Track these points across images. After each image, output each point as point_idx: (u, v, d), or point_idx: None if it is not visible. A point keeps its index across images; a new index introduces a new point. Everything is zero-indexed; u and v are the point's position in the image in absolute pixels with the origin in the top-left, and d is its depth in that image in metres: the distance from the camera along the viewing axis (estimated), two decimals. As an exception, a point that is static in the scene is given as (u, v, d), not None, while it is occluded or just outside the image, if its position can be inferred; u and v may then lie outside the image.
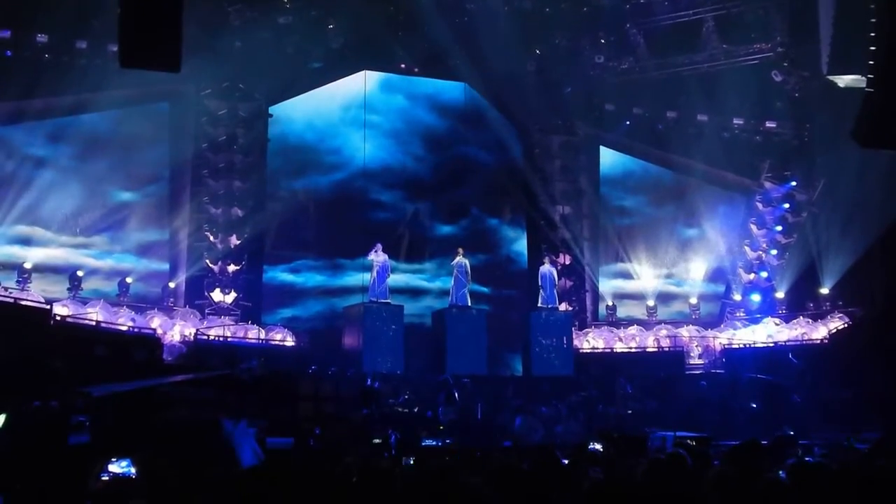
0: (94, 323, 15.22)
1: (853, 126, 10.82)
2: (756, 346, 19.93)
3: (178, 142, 19.33)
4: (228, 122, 19.37)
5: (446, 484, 4.35)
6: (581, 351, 20.11)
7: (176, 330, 17.43)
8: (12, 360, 10.48)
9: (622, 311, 22.47)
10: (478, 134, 22.11)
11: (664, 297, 22.56)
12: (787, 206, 21.89)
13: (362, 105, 21.26)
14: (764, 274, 21.77)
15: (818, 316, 20.18)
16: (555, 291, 19.73)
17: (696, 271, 22.71)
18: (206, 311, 18.57)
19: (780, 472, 5.03)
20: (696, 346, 20.83)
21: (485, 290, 21.07)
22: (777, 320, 20.67)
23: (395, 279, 19.02)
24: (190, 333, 17.35)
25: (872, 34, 10.41)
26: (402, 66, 21.42)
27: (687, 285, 22.70)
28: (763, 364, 18.37)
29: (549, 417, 16.81)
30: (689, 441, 10.62)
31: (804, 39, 18.61)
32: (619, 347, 20.77)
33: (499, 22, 20.21)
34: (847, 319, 19.35)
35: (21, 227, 17.36)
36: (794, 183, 21.86)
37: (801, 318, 20.35)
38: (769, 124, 22.10)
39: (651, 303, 22.26)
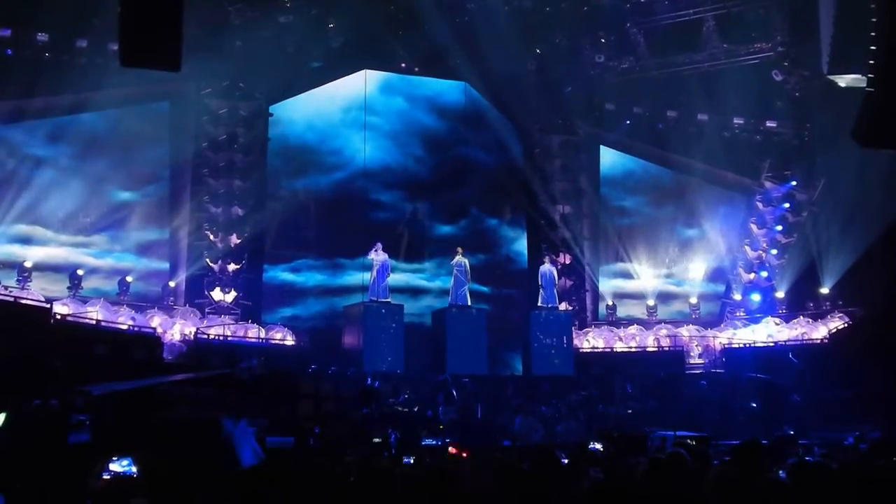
0: (94, 322, 15.22)
1: (853, 126, 10.82)
2: (756, 345, 19.93)
3: (178, 141, 19.33)
4: (229, 122, 19.37)
5: (446, 484, 4.35)
6: (581, 350, 20.12)
7: (176, 329, 17.43)
8: (12, 359, 10.47)
9: (622, 311, 22.47)
10: (478, 133, 22.11)
11: (664, 297, 22.56)
12: (787, 205, 21.89)
13: (362, 105, 21.27)
14: (764, 273, 21.77)
15: (818, 316, 20.18)
16: (555, 291, 19.73)
17: (696, 271, 22.71)
18: (207, 310, 18.57)
19: (780, 472, 5.04)
20: (696, 345, 20.83)
21: (484, 289, 21.08)
22: (777, 320, 20.66)
23: (394, 279, 19.02)
24: (190, 332, 17.35)
25: (873, 34, 10.40)
26: (403, 65, 21.42)
27: (687, 285, 22.70)
28: (763, 364, 18.38)
29: (549, 417, 16.82)
30: (688, 441, 10.63)
31: (805, 39, 18.60)
32: (619, 347, 20.78)
33: (499, 21, 20.20)
34: (847, 319, 19.35)
35: (21, 227, 17.35)
36: (794, 182, 21.86)
37: (802, 317, 20.35)
38: (769, 124, 22.09)
39: (651, 302, 22.26)
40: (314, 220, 20.97)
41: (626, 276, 22.66)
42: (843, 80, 13.65)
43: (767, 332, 20.35)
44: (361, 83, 21.23)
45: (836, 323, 19.34)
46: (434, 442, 14.73)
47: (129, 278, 18.18)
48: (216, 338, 17.49)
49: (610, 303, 22.34)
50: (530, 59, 21.63)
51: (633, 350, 20.65)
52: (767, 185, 22.10)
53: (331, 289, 20.59)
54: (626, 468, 5.98)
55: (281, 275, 20.37)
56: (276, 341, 18.56)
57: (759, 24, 20.71)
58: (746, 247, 22.20)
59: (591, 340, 21.00)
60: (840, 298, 20.07)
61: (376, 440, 13.27)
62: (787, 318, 20.64)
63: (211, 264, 18.89)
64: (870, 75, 10.48)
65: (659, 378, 18.41)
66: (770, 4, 20.45)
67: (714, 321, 22.16)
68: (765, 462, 5.12)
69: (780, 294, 21.43)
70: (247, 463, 7.66)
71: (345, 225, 20.74)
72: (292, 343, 18.75)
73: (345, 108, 21.35)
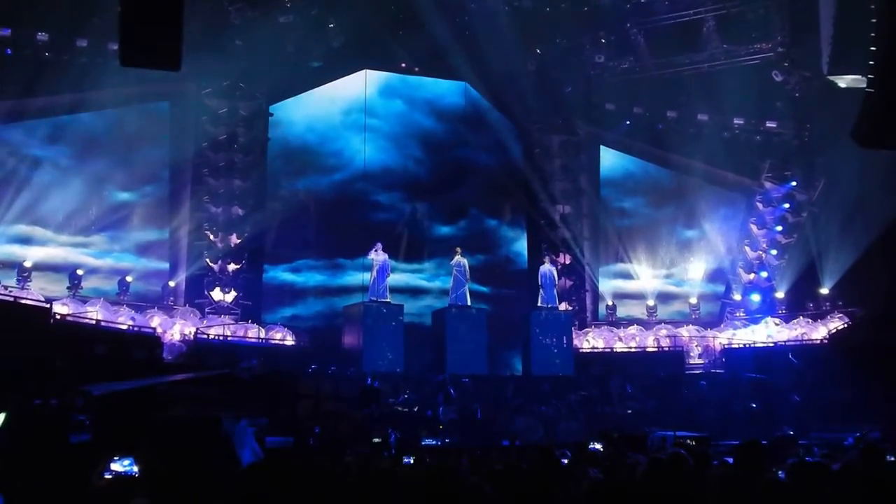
0: (93, 322, 15.22)
1: (853, 126, 10.81)
2: (756, 346, 19.93)
3: (178, 140, 19.32)
4: (229, 121, 19.37)
5: (446, 484, 4.35)
6: (581, 350, 20.12)
7: (176, 329, 17.43)
8: (12, 359, 10.47)
9: (622, 311, 22.48)
10: (478, 134, 22.12)
11: (664, 297, 22.56)
12: (787, 205, 21.89)
13: (362, 106, 21.30)
14: (764, 274, 21.77)
15: (818, 316, 20.18)
16: (555, 291, 19.72)
17: (695, 271, 22.71)
18: (206, 310, 18.57)
19: (780, 473, 5.04)
20: (696, 345, 20.83)
21: (484, 289, 21.09)
22: (777, 320, 20.66)
23: (394, 279, 19.02)
24: (190, 332, 17.35)
25: (872, 34, 10.40)
26: (403, 65, 21.44)
27: (687, 285, 22.70)
28: (763, 364, 18.38)
29: (549, 417, 16.83)
30: (688, 441, 10.63)
31: (805, 39, 18.61)
32: (619, 347, 20.78)
33: (499, 21, 20.21)
34: (847, 319, 19.36)
35: (21, 227, 17.34)
36: (794, 183, 21.86)
37: (801, 318, 20.35)
38: (769, 124, 22.08)
39: (651, 302, 22.26)
40: (314, 221, 20.99)
41: (626, 276, 22.66)
42: (843, 81, 13.65)
43: (767, 332, 20.35)
44: (361, 83, 21.25)
45: (836, 323, 19.35)
46: (434, 442, 14.74)
47: (128, 278, 18.18)
48: (216, 338, 17.49)
49: (610, 303, 22.35)
50: (530, 59, 21.65)
51: (632, 350, 20.65)
52: (767, 185, 22.10)
53: (331, 289, 20.61)
54: (626, 468, 5.98)
55: (281, 275, 20.38)
56: (276, 341, 18.56)
57: (760, 25, 20.72)
58: (746, 247, 22.20)
59: (590, 340, 21.00)
60: (840, 299, 20.07)
61: (376, 440, 13.27)
62: (787, 319, 20.64)
63: (211, 264, 18.89)
64: (869, 76, 10.47)
65: (659, 378, 18.41)
66: (770, 5, 20.46)
67: (714, 321, 22.16)
68: (764, 462, 5.12)
69: (780, 294, 21.44)
70: (246, 463, 7.66)
71: (345, 225, 20.76)
72: (292, 343, 18.75)
73: (345, 109, 21.38)
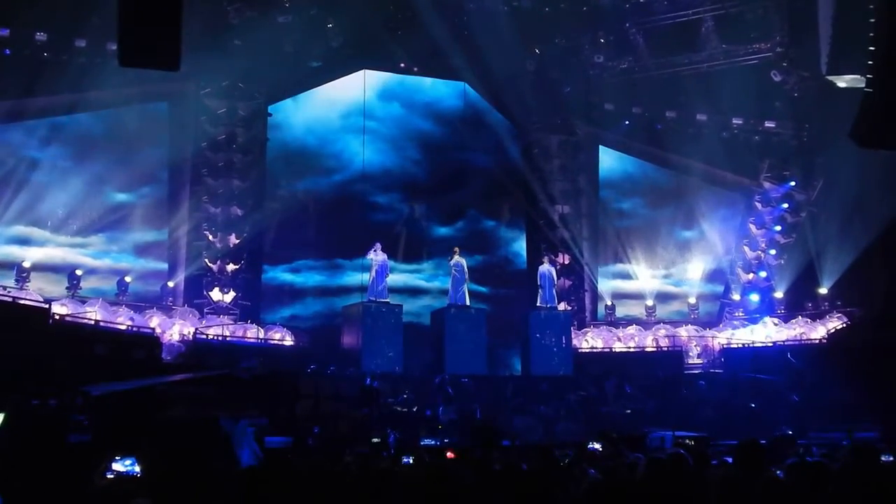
0: (92, 322, 15.21)
1: (852, 126, 10.82)
2: (755, 345, 19.93)
3: (177, 141, 19.31)
4: (228, 121, 19.38)
5: (446, 484, 4.36)
6: (580, 350, 20.12)
7: (175, 329, 17.42)
8: (11, 359, 10.47)
9: (621, 311, 22.48)
10: (477, 134, 22.13)
11: (663, 297, 22.57)
12: (786, 205, 21.90)
13: (361, 107, 21.31)
14: (763, 274, 21.78)
15: (817, 316, 20.19)
16: (554, 291, 19.72)
17: (694, 271, 22.72)
18: (205, 310, 18.56)
19: (778, 472, 5.04)
20: (695, 345, 20.84)
21: (483, 289, 21.10)
22: (776, 320, 20.67)
23: (393, 279, 19.03)
24: (189, 333, 17.34)
25: (871, 34, 10.41)
26: (402, 65, 21.45)
27: (686, 285, 22.71)
28: (762, 364, 18.38)
29: (548, 417, 16.82)
30: (687, 441, 10.64)
31: (803, 39, 18.63)
32: (618, 347, 20.79)
33: (498, 21, 20.21)
34: (846, 319, 19.37)
35: (19, 227, 17.33)
36: (793, 183, 21.87)
37: (800, 317, 20.36)
38: (768, 124, 22.09)
39: (650, 302, 22.27)
40: (313, 221, 20.99)
41: (625, 276, 22.67)
42: (842, 81, 13.66)
43: (766, 332, 20.36)
44: (360, 84, 21.26)
45: (835, 323, 19.36)
46: (433, 442, 14.73)
47: (127, 278, 18.17)
48: (215, 338, 17.48)
49: (609, 303, 22.35)
50: (529, 59, 21.64)
51: (631, 350, 20.66)
52: (766, 185, 22.11)
53: (330, 289, 20.62)
54: (625, 468, 5.98)
55: (280, 275, 20.39)
56: (275, 341, 18.56)
57: (758, 25, 20.73)
58: (745, 247, 22.21)
59: (589, 340, 21.01)
60: (839, 299, 20.08)
61: (375, 440, 13.26)
62: (786, 319, 20.65)
63: (210, 264, 18.88)
64: (868, 76, 10.48)
65: (658, 378, 18.41)
66: (769, 5, 20.47)
67: (713, 321, 22.17)
68: (763, 462, 5.12)
69: (779, 294, 21.44)
70: (245, 462, 7.66)
71: (344, 226, 20.78)
72: (291, 343, 18.75)
73: (344, 110, 21.41)
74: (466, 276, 18.94)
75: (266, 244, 20.22)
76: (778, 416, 16.22)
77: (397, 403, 16.30)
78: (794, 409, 16.72)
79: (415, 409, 16.22)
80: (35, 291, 16.43)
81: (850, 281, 19.49)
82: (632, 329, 21.41)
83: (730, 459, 6.05)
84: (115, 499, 5.22)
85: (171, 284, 18.84)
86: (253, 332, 18.39)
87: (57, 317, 14.30)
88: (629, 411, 17.38)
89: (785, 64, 20.59)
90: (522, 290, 21.47)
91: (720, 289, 22.64)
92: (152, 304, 18.17)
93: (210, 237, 19.04)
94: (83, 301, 16.89)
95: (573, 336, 19.93)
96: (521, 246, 22.70)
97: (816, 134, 21.21)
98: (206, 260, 18.89)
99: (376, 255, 18.22)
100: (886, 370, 15.47)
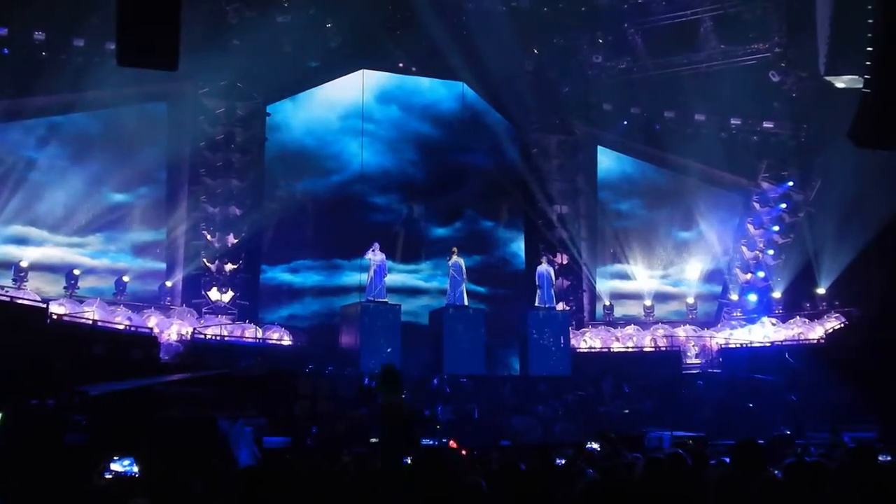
0: (90, 322, 15.20)
1: (849, 126, 10.82)
2: (753, 345, 19.96)
3: (175, 140, 19.30)
4: (226, 121, 19.36)
5: (445, 484, 4.35)
6: (578, 350, 20.13)
7: (173, 329, 17.40)
8: (9, 359, 10.45)
9: (619, 311, 22.49)
10: (475, 134, 22.13)
11: (661, 297, 22.58)
12: (784, 206, 21.91)
13: (360, 106, 21.30)
14: (761, 274, 21.79)
15: (815, 316, 20.20)
16: (552, 291, 19.73)
17: (692, 271, 22.74)
18: (204, 310, 18.55)
19: (776, 472, 5.04)
20: (693, 345, 20.85)
21: (481, 289, 21.11)
22: (774, 320, 20.69)
23: (391, 279, 19.04)
24: (187, 332, 17.33)
25: (869, 35, 10.41)
26: (400, 65, 21.45)
27: (684, 285, 22.72)
28: (759, 364, 18.40)
29: (546, 417, 16.83)
30: (689, 441, 10.65)
31: (802, 40, 18.62)
32: (616, 347, 20.79)
33: (497, 21, 20.21)
34: (843, 319, 19.39)
35: (17, 227, 17.31)
36: (791, 183, 21.88)
37: (798, 317, 20.37)
38: (766, 124, 22.11)
39: (648, 302, 22.28)
40: (312, 221, 20.99)
41: (624, 276, 22.68)
42: (840, 81, 13.66)
43: (764, 332, 20.38)
44: (359, 84, 21.26)
45: (833, 323, 19.38)
46: (432, 442, 14.72)
47: (125, 278, 18.15)
48: (213, 338, 17.47)
49: (607, 303, 22.36)
50: (528, 59, 21.65)
51: (630, 350, 20.67)
52: (764, 185, 22.13)
53: (328, 289, 20.62)
54: (623, 468, 5.98)
55: (279, 275, 20.38)
56: (274, 341, 18.54)
57: (757, 25, 20.74)
58: (743, 247, 22.22)
59: (588, 340, 21.01)
60: (836, 299, 20.10)
61: (373, 440, 13.26)
62: (784, 319, 20.67)
63: (208, 264, 18.87)
64: (866, 76, 10.48)
65: (656, 378, 18.42)
66: (767, 5, 20.48)
67: (711, 321, 22.18)
68: (761, 462, 5.13)
69: (777, 294, 21.46)
70: (244, 462, 7.66)
71: (342, 226, 20.77)
72: (289, 343, 18.74)
73: (342, 111, 21.41)
74: (464, 275, 18.95)
75: (264, 244, 20.21)
76: (776, 416, 16.25)
77: (395, 403, 16.27)
78: (791, 408, 16.75)
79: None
80: (33, 291, 16.40)
81: (847, 281, 19.50)
82: (630, 329, 21.42)
83: (727, 459, 6.06)
84: (113, 499, 5.22)
85: (169, 284, 18.82)
86: (251, 332, 18.39)
87: (55, 317, 14.29)
88: (627, 411, 17.41)
89: (783, 64, 20.61)
90: (521, 290, 21.47)
91: (718, 289, 22.65)
92: (150, 304, 18.15)
93: (208, 237, 19.03)
94: (81, 301, 16.87)
95: (571, 336, 19.93)
96: (519, 246, 22.71)
97: (814, 134, 21.23)
98: (205, 260, 18.87)
99: (374, 255, 18.22)
100: (884, 370, 15.50)
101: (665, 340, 20.92)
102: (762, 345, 19.86)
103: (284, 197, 20.70)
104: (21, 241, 17.36)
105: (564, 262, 21.75)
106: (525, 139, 22.42)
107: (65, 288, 17.20)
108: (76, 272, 17.41)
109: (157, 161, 19.21)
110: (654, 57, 21.54)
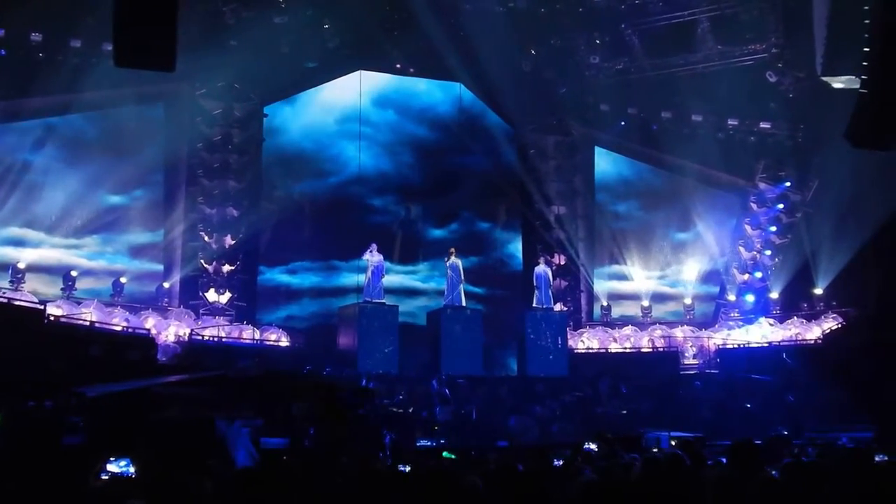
0: (88, 323, 15.19)
1: (846, 126, 10.85)
2: (750, 346, 19.97)
3: (172, 141, 19.28)
4: (223, 122, 19.35)
5: (444, 484, 4.35)
6: (576, 351, 20.13)
7: (170, 330, 17.39)
8: (6, 361, 10.44)
9: (617, 312, 22.49)
10: (472, 135, 22.15)
11: (658, 298, 22.60)
12: (781, 206, 21.94)
13: (357, 107, 21.31)
14: (758, 274, 21.82)
15: (812, 316, 20.23)
16: (550, 291, 19.74)
17: (690, 272, 22.76)
18: (201, 311, 18.54)
19: (774, 472, 5.05)
20: (691, 346, 20.86)
21: (479, 290, 21.11)
22: (771, 320, 20.71)
23: (389, 280, 19.05)
24: (184, 334, 17.32)
25: (866, 35, 10.44)
26: (398, 66, 21.45)
27: (681, 286, 22.74)
28: (757, 364, 18.43)
29: (543, 417, 16.84)
30: (689, 440, 10.63)
31: (799, 40, 18.65)
32: (614, 348, 20.79)
33: (494, 22, 20.22)
34: (841, 319, 19.41)
35: (14, 228, 17.28)
36: (788, 183, 21.91)
37: (795, 318, 20.39)
38: (763, 125, 22.14)
39: (646, 303, 22.29)
40: (309, 223, 21.00)
41: (621, 277, 22.70)
42: (837, 82, 13.70)
43: (761, 332, 20.40)
44: (356, 85, 21.26)
45: (830, 323, 19.41)
46: (429, 443, 14.73)
47: (123, 279, 18.12)
48: (211, 339, 17.45)
49: (605, 303, 22.37)
50: (525, 59, 21.64)
51: (627, 351, 20.68)
52: (761, 185, 22.15)
53: (326, 290, 20.61)
54: (621, 468, 5.99)
55: (277, 276, 20.38)
56: (271, 342, 18.53)
57: (754, 26, 20.75)
58: (741, 248, 22.24)
59: (585, 341, 21.01)
60: (834, 299, 20.13)
61: (372, 441, 13.25)
62: (781, 319, 20.69)
63: (205, 265, 18.85)
64: (863, 76, 10.51)
65: (654, 379, 18.44)
66: (764, 6, 20.49)
67: (708, 322, 22.20)
68: (758, 462, 5.14)
69: (774, 295, 21.49)
70: (241, 464, 7.65)
71: (340, 227, 20.78)
72: (287, 344, 18.72)
73: (339, 113, 21.42)
74: (462, 276, 18.96)
75: (262, 245, 20.20)
76: (773, 417, 16.27)
77: (393, 404, 16.30)
78: (789, 409, 16.78)
79: (410, 410, 16.22)
80: (30, 293, 16.37)
81: (845, 281, 19.54)
82: (627, 330, 21.43)
83: (725, 460, 6.06)
84: (110, 500, 5.20)
85: (166, 285, 18.80)
86: (249, 333, 18.37)
87: (52, 318, 14.26)
88: (625, 412, 17.43)
89: (780, 65, 20.63)
90: (518, 290, 21.49)
91: (716, 289, 22.67)
92: (148, 305, 18.13)
93: (206, 238, 19.01)
94: (78, 302, 16.84)
95: (569, 337, 19.93)
96: (516, 247, 22.71)
97: (811, 134, 21.25)
98: (202, 261, 18.86)
99: (372, 256, 18.23)
100: (881, 370, 15.52)
101: (662, 341, 20.93)
102: (759, 345, 19.89)
103: (282, 198, 20.69)
104: (18, 242, 17.33)
105: (562, 262, 21.75)
106: (522, 140, 22.43)
107: (62, 289, 17.17)
108: (73, 273, 17.39)
109: (154, 162, 19.17)
110: (651, 57, 21.56)
